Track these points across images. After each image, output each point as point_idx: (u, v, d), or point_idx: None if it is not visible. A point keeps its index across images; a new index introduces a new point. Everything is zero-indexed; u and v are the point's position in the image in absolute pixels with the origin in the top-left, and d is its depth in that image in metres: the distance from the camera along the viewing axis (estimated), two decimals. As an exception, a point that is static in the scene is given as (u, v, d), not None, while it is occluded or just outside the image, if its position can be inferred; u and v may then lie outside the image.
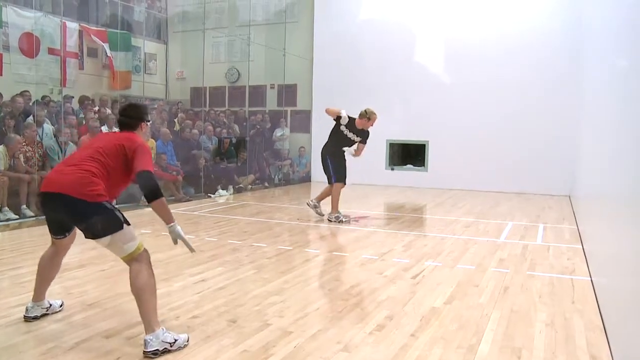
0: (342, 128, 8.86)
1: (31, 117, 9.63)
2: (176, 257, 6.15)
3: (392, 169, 13.85)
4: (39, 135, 9.41)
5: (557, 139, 12.77)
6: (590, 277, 5.52)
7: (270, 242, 7.02)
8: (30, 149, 9.04)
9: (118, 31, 13.40)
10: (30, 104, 10.15)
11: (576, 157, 10.99)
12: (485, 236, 7.78)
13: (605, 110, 5.38)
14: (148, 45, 14.79)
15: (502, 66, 13.42)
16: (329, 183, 9.07)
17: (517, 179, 13.31)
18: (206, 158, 12.59)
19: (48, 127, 9.84)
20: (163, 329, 3.51)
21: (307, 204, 9.37)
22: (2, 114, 9.46)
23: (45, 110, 10.20)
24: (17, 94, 10.00)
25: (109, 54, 13.31)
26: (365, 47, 14.73)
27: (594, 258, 5.74)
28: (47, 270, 4.05)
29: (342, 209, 9.00)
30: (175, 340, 3.51)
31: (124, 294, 4.67)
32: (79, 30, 12.76)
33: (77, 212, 3.53)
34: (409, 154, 15.02)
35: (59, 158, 9.33)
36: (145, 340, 3.43)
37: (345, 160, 9.10)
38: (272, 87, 15.96)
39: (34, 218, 8.50)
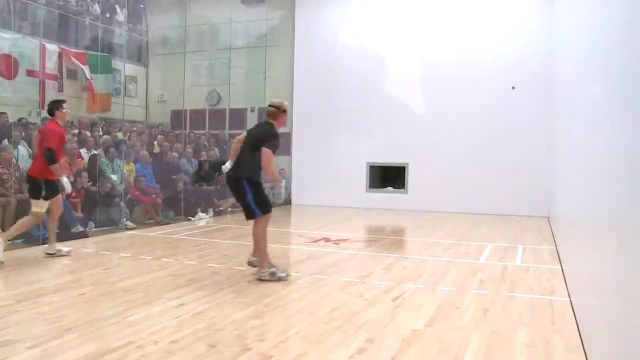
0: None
1: (6, 139, 9.52)
2: (155, 280, 6.09)
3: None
4: (15, 158, 9.30)
5: (534, 161, 12.94)
6: (569, 297, 5.56)
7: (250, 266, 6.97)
8: (7, 171, 8.92)
9: (98, 54, 13.37)
10: (7, 125, 10.05)
11: (553, 178, 11.13)
12: (465, 258, 7.81)
13: (579, 131, 5.47)
14: (128, 68, 14.75)
15: (478, 90, 13.61)
16: (248, 218, 6.39)
17: (496, 201, 13.42)
18: (186, 181, 12.53)
19: (23, 149, 9.74)
20: None
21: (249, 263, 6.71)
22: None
23: (23, 133, 10.11)
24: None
25: (88, 77, 13.25)
26: (345, 71, 14.87)
27: (572, 279, 5.79)
28: None
29: (323, 231, 8.90)
30: None
31: (102, 318, 4.62)
32: (59, 52, 12.70)
33: None
34: (388, 177, 15.09)
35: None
36: None
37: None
38: (252, 110, 15.98)
39: (9, 242, 8.33)
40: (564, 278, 6.46)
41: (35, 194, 7.03)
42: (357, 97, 14.75)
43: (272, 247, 8.52)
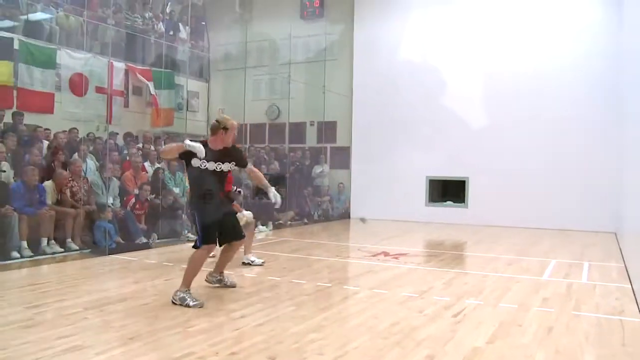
0: (196, 162, 5.71)
1: (76, 154, 9.94)
2: (216, 292, 6.18)
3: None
4: (84, 171, 9.67)
5: (600, 175, 12.54)
6: (641, 318, 5.33)
7: (310, 279, 6.99)
8: (76, 184, 9.28)
9: (162, 70, 13.79)
10: (77, 140, 10.49)
11: (621, 193, 10.73)
12: (527, 274, 7.60)
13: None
14: (191, 84, 15.14)
15: (542, 103, 13.34)
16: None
17: (559, 216, 13.04)
18: (246, 194, 12.68)
19: (91, 162, 10.13)
20: None
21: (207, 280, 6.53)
22: (50, 151, 9.78)
23: (91, 147, 10.52)
24: (60, 131, 10.33)
25: (152, 92, 13.67)
26: (404, 85, 14.81)
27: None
28: None
29: (382, 245, 8.84)
30: None
31: (164, 328, 4.71)
32: (125, 70, 13.17)
33: None
34: (448, 191, 14.89)
35: (102, 193, 9.56)
36: None
37: (220, 208, 5.89)
38: (312, 124, 16.12)
39: (78, 251, 8.67)
40: (635, 297, 6.19)
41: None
42: (417, 110, 14.66)
43: (333, 261, 8.54)
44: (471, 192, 14.25)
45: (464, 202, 14.41)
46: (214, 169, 5.79)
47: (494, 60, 13.98)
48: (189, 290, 5.64)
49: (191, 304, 5.48)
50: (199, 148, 5.59)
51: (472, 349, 4.33)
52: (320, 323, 5.00)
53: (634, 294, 6.34)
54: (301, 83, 15.61)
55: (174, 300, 5.57)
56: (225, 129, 5.94)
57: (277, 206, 6.33)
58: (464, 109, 14.18)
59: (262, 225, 12.44)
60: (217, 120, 6.02)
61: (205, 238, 5.73)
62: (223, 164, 5.85)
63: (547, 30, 13.59)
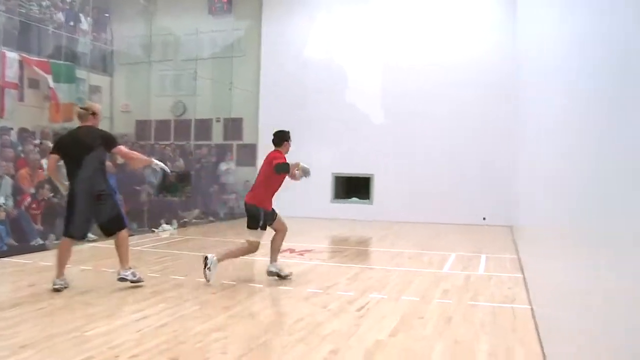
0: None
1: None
2: (117, 293, 6.00)
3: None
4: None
5: (497, 171, 13.17)
6: (531, 305, 5.65)
7: (215, 278, 6.91)
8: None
9: (62, 62, 13.16)
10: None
11: (515, 188, 11.31)
12: (429, 268, 7.88)
13: (539, 143, 5.59)
14: (93, 77, 14.57)
15: (441, 101, 13.83)
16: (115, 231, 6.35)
17: (459, 211, 13.59)
18: (150, 192, 12.38)
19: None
20: None
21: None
22: None
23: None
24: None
25: (51, 86, 13.03)
26: (311, 82, 14.93)
27: (534, 287, 5.89)
28: None
29: (288, 242, 8.87)
30: None
31: (61, 332, 4.53)
32: (20, 61, 12.46)
33: None
34: (353, 187, 15.15)
35: (-7, 191, 9.02)
36: None
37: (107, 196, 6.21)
38: (218, 120, 15.93)
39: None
40: (526, 286, 6.57)
41: (254, 224, 6.81)
42: (323, 107, 14.81)
43: (238, 259, 8.48)
44: (376, 188, 14.59)
45: (368, 198, 14.72)
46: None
47: (397, 58, 14.37)
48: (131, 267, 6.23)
49: (130, 279, 6.14)
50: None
51: (375, 342, 4.45)
52: (224, 321, 4.98)
53: (525, 283, 6.72)
54: (208, 79, 15.39)
55: (125, 276, 6.12)
56: (94, 113, 6.25)
57: (168, 171, 7.03)
58: (368, 107, 14.48)
59: (167, 224, 12.18)
60: (84, 108, 6.32)
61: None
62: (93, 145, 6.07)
63: (448, 27, 14.12)
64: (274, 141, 7.35)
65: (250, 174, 15.52)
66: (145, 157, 6.70)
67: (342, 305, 5.64)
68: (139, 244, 9.88)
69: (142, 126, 15.73)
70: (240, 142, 15.91)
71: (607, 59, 2.36)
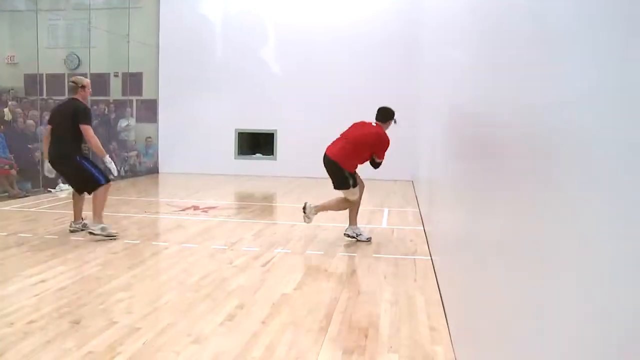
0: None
1: None
2: (11, 257, 5.75)
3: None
4: None
5: (398, 127, 13.47)
6: (431, 256, 5.94)
7: (118, 237, 6.77)
8: None
9: None
10: None
11: (416, 144, 11.68)
12: (332, 222, 8.04)
13: (440, 98, 5.80)
14: (-28, 26, 13.52)
15: (343, 54, 13.90)
16: (91, 190, 6.85)
17: (362, 165, 13.86)
18: (43, 151, 11.78)
19: None
20: None
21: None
22: None
23: None
24: None
25: None
26: (211, 35, 14.63)
27: (433, 238, 6.18)
28: None
29: (192, 199, 8.82)
30: None
31: None
32: None
33: None
34: (257, 143, 15.11)
35: None
36: None
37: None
38: (116, 75, 15.28)
39: None
40: (426, 238, 6.88)
41: (344, 184, 6.69)
42: (224, 61, 14.56)
43: (141, 217, 8.34)
44: (279, 144, 14.61)
45: (272, 154, 14.74)
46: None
47: (298, 11, 14.28)
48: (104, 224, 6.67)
49: (113, 232, 6.66)
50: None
51: (281, 295, 4.54)
52: (128, 281, 4.91)
53: (425, 236, 7.04)
54: (103, 30, 14.64)
55: (93, 231, 6.58)
56: (84, 86, 6.84)
57: (114, 174, 7.08)
58: (270, 62, 14.40)
59: (64, 183, 11.66)
60: (73, 81, 6.87)
61: (106, 176, 6.84)
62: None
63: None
64: (378, 117, 7.17)
65: (151, 131, 15.14)
66: (101, 149, 6.79)
67: (247, 261, 5.69)
68: (34, 205, 9.47)
69: (31, 80, 14.79)
70: (140, 98, 15.38)
71: (499, 10, 2.47)
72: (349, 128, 7.13)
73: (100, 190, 6.70)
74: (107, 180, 6.81)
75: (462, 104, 3.61)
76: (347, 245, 6.51)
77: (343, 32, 13.94)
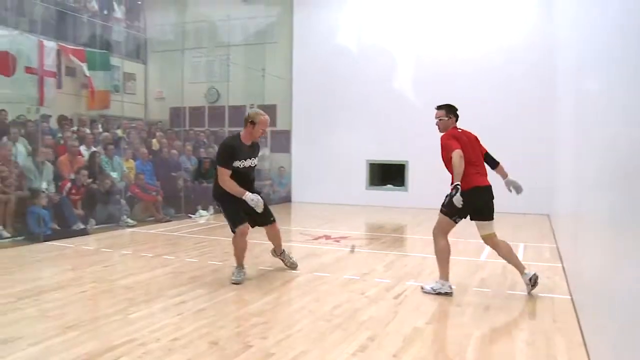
0: (235, 163, 5.96)
1: (5, 137, 9.50)
2: (157, 278, 6.09)
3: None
4: (14, 155, 9.27)
5: (535, 158, 12.89)
6: (570, 295, 5.57)
7: (251, 263, 6.96)
8: (6, 168, 8.90)
9: (97, 50, 13.33)
10: (6, 123, 10.04)
11: (554, 176, 11.11)
12: (465, 256, 7.81)
13: (579, 130, 5.48)
14: (127, 65, 14.73)
15: (478, 86, 13.55)
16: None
17: (496, 199, 13.38)
18: (186, 178, 12.52)
19: (22, 146, 9.70)
20: None
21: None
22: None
23: (23, 130, 10.10)
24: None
25: (87, 74, 13.21)
26: (344, 68, 14.84)
27: (573, 277, 5.79)
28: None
29: (324, 228, 8.93)
30: None
31: (103, 315, 4.62)
32: (57, 49, 12.65)
33: None
34: (388, 174, 15.08)
35: (35, 178, 9.20)
36: None
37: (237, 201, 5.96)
38: (251, 107, 15.97)
39: (10, 239, 8.35)
40: (565, 275, 6.47)
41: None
42: (357, 94, 14.73)
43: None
44: (411, 175, 14.48)
45: (403, 185, 14.63)
46: (249, 165, 6.04)
47: (431, 43, 14.13)
48: (241, 267, 6.09)
49: (232, 278, 5.95)
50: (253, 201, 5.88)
51: (413, 329, 4.44)
52: (262, 307, 5.01)
53: (564, 273, 6.62)
54: (240, 66, 15.42)
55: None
56: (253, 122, 5.98)
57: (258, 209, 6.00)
58: (403, 93, 14.33)
59: (203, 209, 12.30)
60: (249, 115, 6.09)
61: (236, 223, 6.00)
62: (251, 160, 6.07)
63: (483, 11, 13.76)
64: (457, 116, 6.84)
65: (284, 160, 15.61)
66: (236, 191, 5.94)
67: (379, 292, 5.63)
68: (176, 229, 10.02)
69: (176, 113, 15.86)
70: (274, 128, 15.95)
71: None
72: (467, 147, 6.54)
73: (234, 239, 6.09)
74: (237, 226, 6.04)
75: (612, 145, 3.36)
76: (481, 280, 6.26)
77: (478, 63, 13.64)
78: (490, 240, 6.07)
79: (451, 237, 9.05)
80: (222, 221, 11.19)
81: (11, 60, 11.12)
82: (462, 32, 13.93)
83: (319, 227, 10.50)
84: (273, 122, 15.73)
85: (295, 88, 15.68)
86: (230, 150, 5.94)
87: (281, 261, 6.74)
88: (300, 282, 6.11)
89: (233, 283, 5.86)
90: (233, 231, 6.03)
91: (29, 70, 11.40)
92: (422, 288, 5.78)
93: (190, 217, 11.84)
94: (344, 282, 6.07)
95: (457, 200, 5.77)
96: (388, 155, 14.69)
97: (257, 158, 6.18)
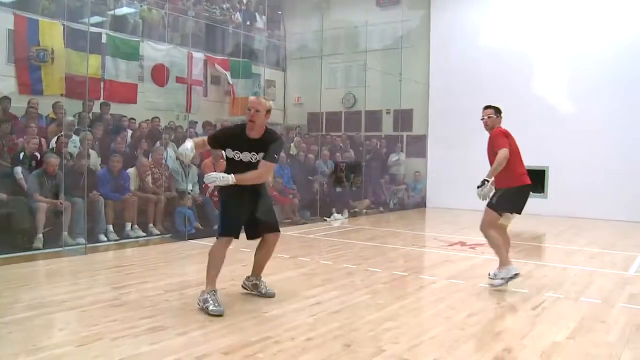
0: (229, 153, 5.24)
1: (158, 142, 10.27)
2: (291, 279, 6.26)
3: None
4: (164, 159, 9.98)
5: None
6: None
7: (385, 267, 6.96)
8: (157, 171, 9.59)
9: (240, 60, 14.01)
10: (159, 129, 10.84)
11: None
12: (612, 269, 7.26)
13: None
14: (268, 73, 15.30)
15: (625, 89, 12.61)
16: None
17: (604, 205, 12.40)
18: (322, 182, 12.77)
19: (171, 150, 10.42)
20: None
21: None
22: (134, 139, 10.16)
23: (172, 135, 10.84)
24: (143, 121, 10.74)
25: (230, 82, 13.92)
26: (482, 73, 14.38)
27: None
28: None
29: (459, 235, 8.69)
30: None
31: (240, 312, 4.81)
32: (204, 60, 13.46)
33: None
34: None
35: (182, 180, 9.82)
36: None
37: (242, 204, 5.19)
38: (388, 112, 15.99)
39: (159, 236, 8.98)
40: None
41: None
42: (494, 98, 14.03)
43: (409, 250, 8.47)
44: (551, 181, 13.73)
45: (543, 192, 13.91)
46: (249, 161, 5.10)
47: (577, 45, 13.35)
48: (213, 290, 4.89)
49: (210, 308, 4.71)
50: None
51: (552, 343, 4.18)
52: (396, 312, 4.97)
53: None
54: (377, 71, 15.47)
55: (198, 303, 4.87)
56: (258, 111, 5.02)
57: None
58: (545, 98, 13.62)
59: (338, 213, 12.48)
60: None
61: (227, 227, 5.08)
62: (252, 154, 5.09)
63: (634, 11, 12.84)
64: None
65: (420, 165, 15.46)
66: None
67: (516, 303, 5.39)
68: (311, 232, 10.24)
69: (313, 118, 16.24)
70: (410, 133, 15.84)
71: None
72: (514, 146, 7.13)
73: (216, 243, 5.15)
74: (221, 234, 5.11)
75: None
76: (631, 296, 5.77)
77: (620, 66, 12.66)
78: (502, 230, 6.57)
79: (597, 248, 8.45)
80: (357, 225, 11.36)
81: (165, 72, 12.05)
82: (609, 33, 12.98)
83: (454, 233, 10.24)
84: (409, 127, 15.71)
85: (432, 92, 15.46)
86: (225, 131, 5.62)
87: (252, 290, 5.49)
88: (435, 289, 5.99)
89: (214, 315, 4.65)
90: (218, 236, 5.08)
91: (179, 80, 12.26)
92: (491, 285, 5.94)
93: (325, 220, 12.05)
94: (479, 290, 5.88)
95: (486, 192, 6.49)
96: (527, 160, 13.87)
97: (258, 154, 5.09)
